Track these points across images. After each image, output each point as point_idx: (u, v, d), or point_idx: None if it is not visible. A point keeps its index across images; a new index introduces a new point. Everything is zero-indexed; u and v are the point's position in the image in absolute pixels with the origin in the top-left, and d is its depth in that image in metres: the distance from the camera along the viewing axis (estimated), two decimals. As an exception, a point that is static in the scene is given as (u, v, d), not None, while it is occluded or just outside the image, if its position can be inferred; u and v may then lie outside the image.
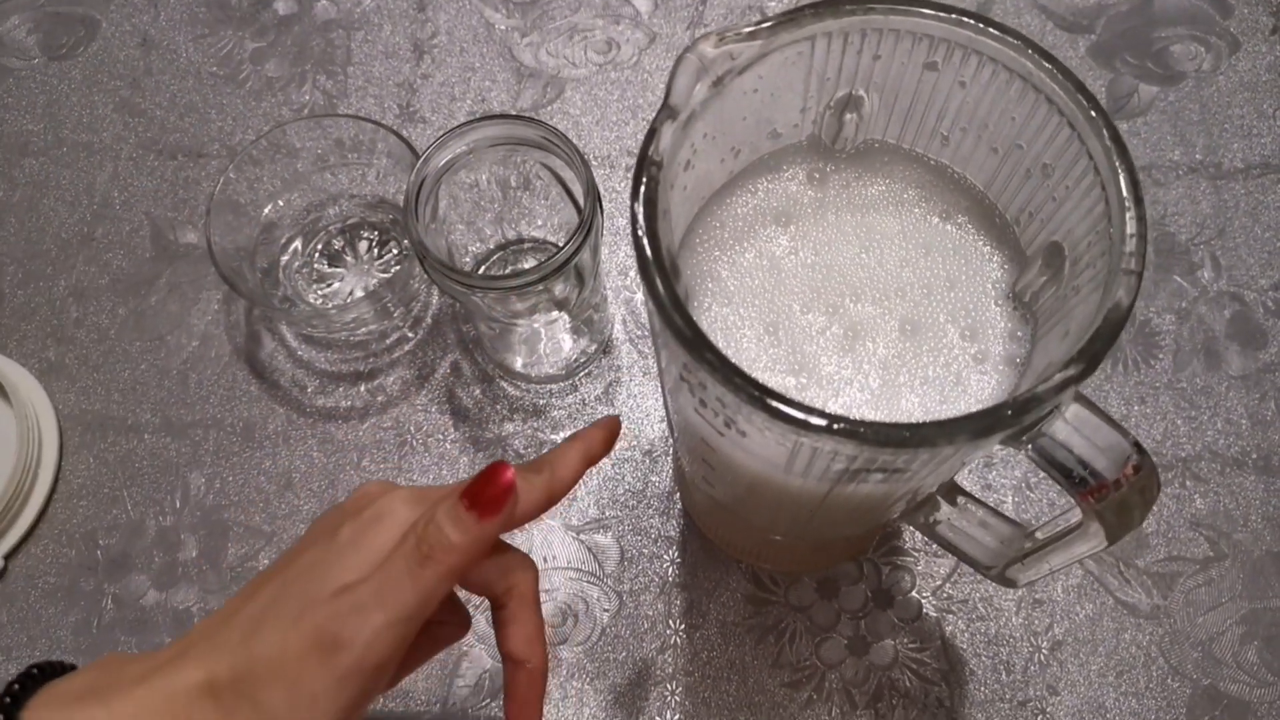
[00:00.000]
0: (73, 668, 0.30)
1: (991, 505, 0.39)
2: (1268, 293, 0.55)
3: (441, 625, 0.36)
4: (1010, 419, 0.26)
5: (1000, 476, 0.52)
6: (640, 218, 0.27)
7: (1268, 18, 0.61)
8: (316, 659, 0.28)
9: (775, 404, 0.25)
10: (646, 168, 0.28)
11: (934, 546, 0.50)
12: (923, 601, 0.50)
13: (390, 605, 0.29)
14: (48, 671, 0.29)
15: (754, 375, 0.26)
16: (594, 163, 0.59)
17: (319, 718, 0.28)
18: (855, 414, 0.32)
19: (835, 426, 0.25)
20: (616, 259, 0.57)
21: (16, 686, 0.28)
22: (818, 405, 0.31)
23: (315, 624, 0.28)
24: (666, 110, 0.29)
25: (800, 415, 0.25)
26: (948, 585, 0.50)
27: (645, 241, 0.27)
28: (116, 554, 0.52)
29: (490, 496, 0.30)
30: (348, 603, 0.29)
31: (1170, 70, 0.60)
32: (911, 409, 0.32)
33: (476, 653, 0.49)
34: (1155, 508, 0.51)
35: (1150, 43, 0.61)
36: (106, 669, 0.29)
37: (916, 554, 0.50)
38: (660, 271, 0.27)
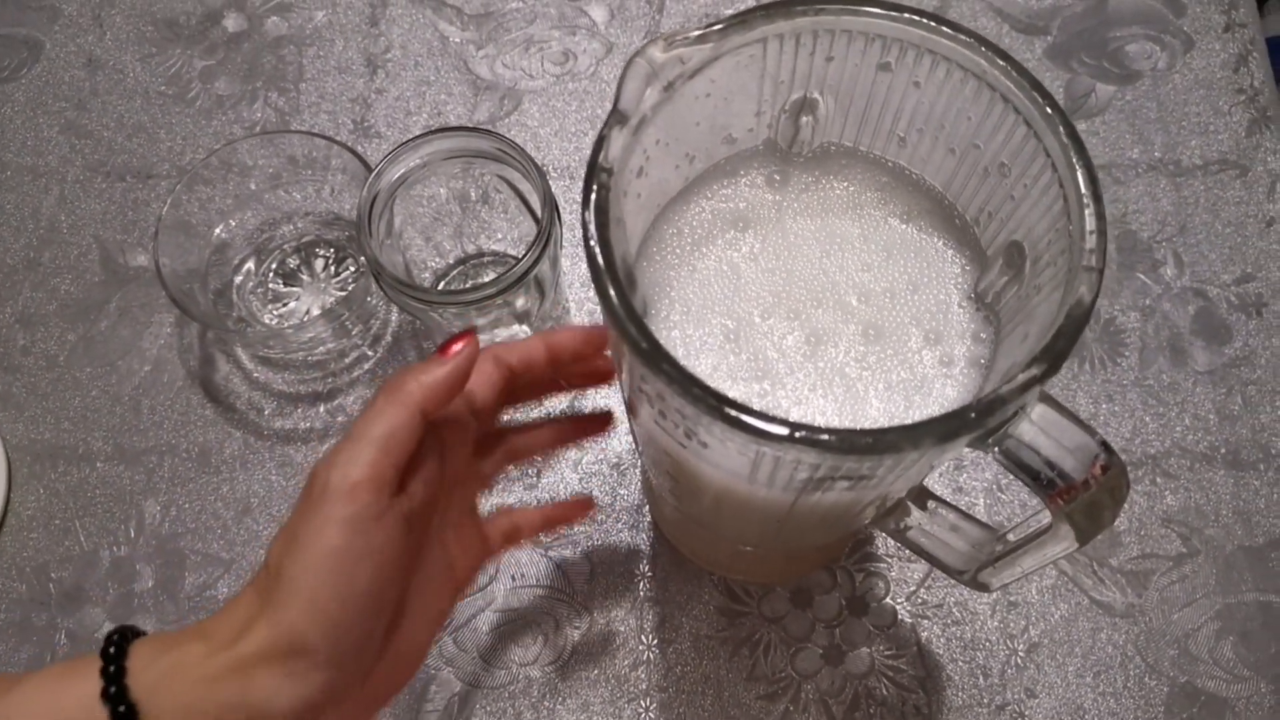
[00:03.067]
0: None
1: (963, 509, 0.39)
2: (1230, 288, 0.55)
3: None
4: (975, 421, 0.25)
5: (971, 479, 0.51)
6: (591, 226, 0.27)
7: (1220, 15, 0.61)
8: (303, 507, 0.30)
9: (734, 414, 0.25)
10: (597, 175, 0.27)
11: (907, 552, 0.50)
12: (897, 608, 0.49)
13: (354, 438, 0.31)
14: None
15: (715, 385, 0.25)
16: (553, 174, 0.58)
17: (321, 555, 0.29)
18: (819, 422, 0.31)
19: (796, 435, 0.24)
20: (579, 271, 0.56)
21: (116, 636, 0.30)
22: (780, 414, 0.31)
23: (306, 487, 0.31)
24: (616, 115, 0.28)
25: (760, 424, 0.24)
26: (922, 590, 0.49)
27: (597, 250, 0.27)
28: (70, 587, 0.50)
29: (453, 348, 0.33)
30: (324, 456, 0.31)
31: (1126, 69, 0.60)
32: (876, 415, 0.32)
33: (445, 676, 0.48)
34: (1126, 505, 0.50)
35: (1106, 43, 0.61)
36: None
37: (890, 560, 0.50)
38: (614, 281, 0.26)
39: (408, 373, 0.32)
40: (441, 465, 0.34)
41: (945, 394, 0.32)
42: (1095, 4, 0.62)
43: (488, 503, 0.51)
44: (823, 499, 0.31)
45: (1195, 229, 0.56)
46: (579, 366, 0.38)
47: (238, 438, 0.53)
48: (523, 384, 0.38)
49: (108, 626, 0.49)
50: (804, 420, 0.31)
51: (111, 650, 0.30)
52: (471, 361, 0.33)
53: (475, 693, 0.48)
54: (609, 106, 0.60)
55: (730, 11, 0.63)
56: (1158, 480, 0.51)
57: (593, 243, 0.27)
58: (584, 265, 0.57)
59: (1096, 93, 0.60)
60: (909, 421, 0.31)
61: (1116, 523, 0.50)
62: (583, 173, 0.58)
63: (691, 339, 0.33)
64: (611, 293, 0.26)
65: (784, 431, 0.25)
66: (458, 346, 0.33)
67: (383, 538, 0.30)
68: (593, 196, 0.27)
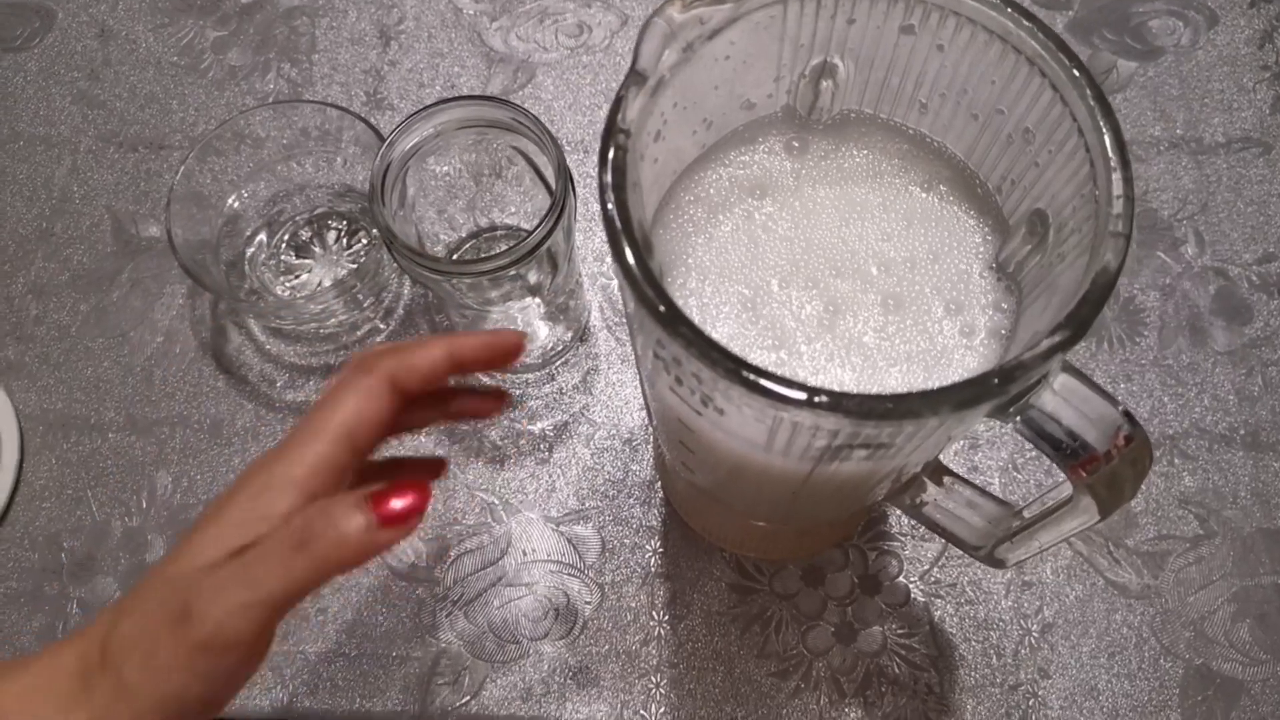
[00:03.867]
0: None
1: (979, 485, 0.38)
2: (1252, 267, 0.54)
3: None
4: (997, 388, 0.25)
5: (986, 458, 0.51)
6: (609, 187, 0.26)
7: (1246, -9, 0.60)
8: (169, 630, 0.27)
9: (752, 377, 0.24)
10: (614, 136, 0.27)
11: (921, 530, 0.49)
12: (910, 586, 0.49)
13: (252, 586, 0.27)
14: None
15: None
16: (567, 147, 0.58)
17: (173, 689, 0.28)
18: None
19: (815, 399, 0.24)
20: (592, 245, 0.56)
21: None
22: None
23: (176, 597, 0.28)
24: (634, 76, 0.28)
25: (778, 388, 0.24)
26: (935, 569, 0.49)
27: (614, 212, 0.26)
28: (81, 556, 0.50)
29: (400, 512, 0.28)
30: (209, 580, 0.28)
31: (1149, 45, 0.59)
32: (896, 386, 0.31)
33: (456, 649, 0.48)
34: (1144, 486, 0.50)
35: (1128, 18, 0.60)
36: None
37: (903, 538, 0.50)
38: (631, 243, 0.26)
39: (346, 516, 0.27)
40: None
41: (966, 365, 0.31)
42: (1118, -21, 0.61)
43: (499, 475, 0.51)
44: (840, 470, 0.30)
45: (1217, 207, 0.55)
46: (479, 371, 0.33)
47: (249, 409, 0.53)
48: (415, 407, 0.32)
49: (119, 596, 0.49)
50: (821, 389, 0.31)
51: None
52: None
53: (486, 667, 0.48)
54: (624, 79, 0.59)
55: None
56: (1175, 461, 0.50)
57: (610, 205, 0.26)
58: (598, 239, 0.57)
59: (1118, 69, 0.59)
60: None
61: (1133, 503, 0.50)
62: (597, 146, 0.58)
63: (708, 307, 0.32)
64: (629, 254, 0.26)
65: (803, 396, 0.24)
66: (418, 508, 0.28)
67: (249, 666, 0.29)
68: (610, 156, 0.27)
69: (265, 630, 0.28)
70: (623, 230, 0.26)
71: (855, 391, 0.25)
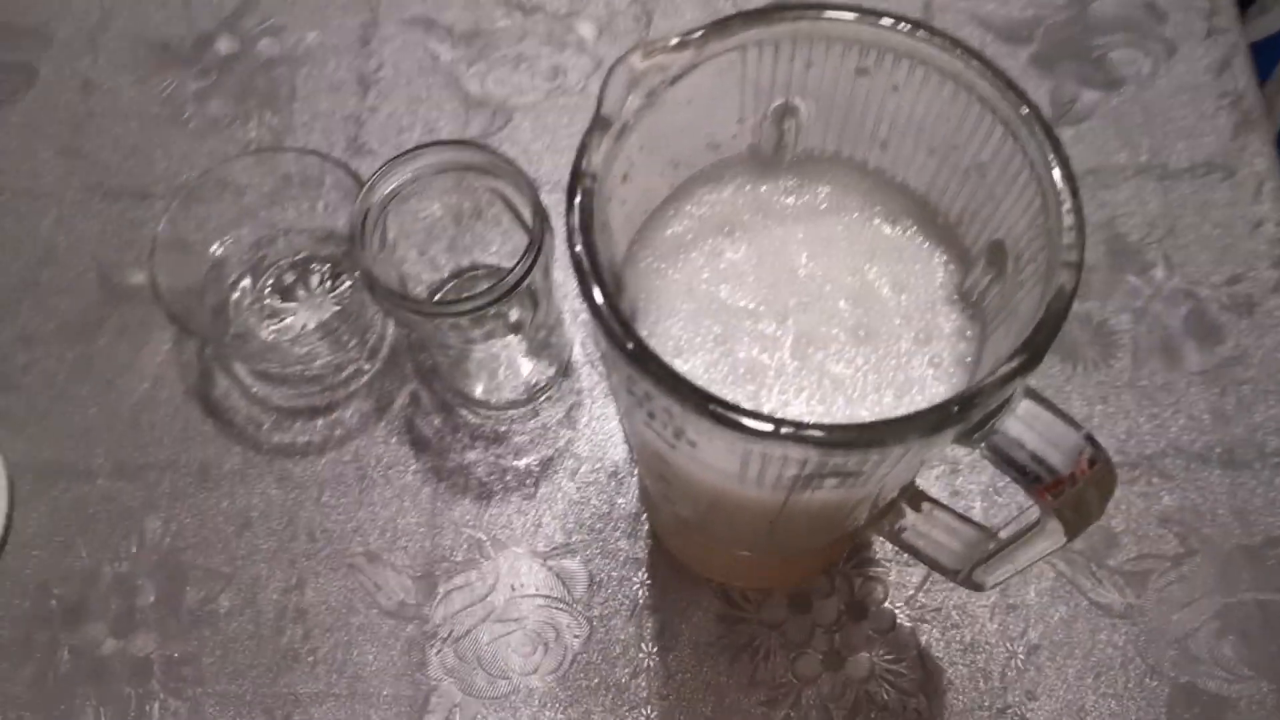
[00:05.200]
0: None
1: (958, 510, 0.39)
2: (1221, 288, 0.55)
3: None
4: (958, 415, 0.25)
5: (967, 482, 0.51)
6: (576, 230, 0.27)
7: (1201, 21, 0.62)
8: None
9: (719, 410, 0.25)
10: (580, 180, 0.28)
11: (905, 556, 0.50)
12: (896, 612, 0.49)
13: None
14: None
15: (705, 388, 0.26)
16: (546, 187, 0.59)
17: None
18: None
19: (781, 431, 0.25)
20: (573, 282, 0.56)
21: None
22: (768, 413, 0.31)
23: None
24: (599, 121, 0.29)
25: (745, 421, 0.25)
26: (920, 594, 0.49)
27: (582, 254, 0.27)
28: (72, 603, 0.50)
29: None
30: None
31: (1110, 75, 0.61)
32: (867, 416, 0.32)
33: (446, 687, 0.48)
34: (1124, 506, 0.51)
35: (1089, 50, 0.62)
36: None
37: (888, 564, 0.50)
38: (599, 283, 0.27)
39: None
40: None
41: (934, 393, 0.32)
42: (1077, 12, 0.63)
43: (485, 511, 0.52)
44: (814, 498, 0.31)
45: (1184, 230, 0.56)
46: None
47: (237, 453, 0.53)
48: None
49: (110, 642, 0.49)
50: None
51: None
52: None
53: (477, 703, 0.48)
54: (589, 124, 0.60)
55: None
56: (1154, 480, 0.51)
57: (577, 247, 0.27)
58: (578, 277, 0.58)
59: (1082, 99, 0.60)
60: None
61: (1114, 523, 0.50)
62: (575, 185, 0.59)
63: (680, 344, 0.33)
64: (597, 295, 0.26)
65: (769, 428, 0.25)
66: None
67: None
68: (576, 201, 0.28)
69: None
70: (590, 272, 0.27)
71: (821, 422, 0.26)
